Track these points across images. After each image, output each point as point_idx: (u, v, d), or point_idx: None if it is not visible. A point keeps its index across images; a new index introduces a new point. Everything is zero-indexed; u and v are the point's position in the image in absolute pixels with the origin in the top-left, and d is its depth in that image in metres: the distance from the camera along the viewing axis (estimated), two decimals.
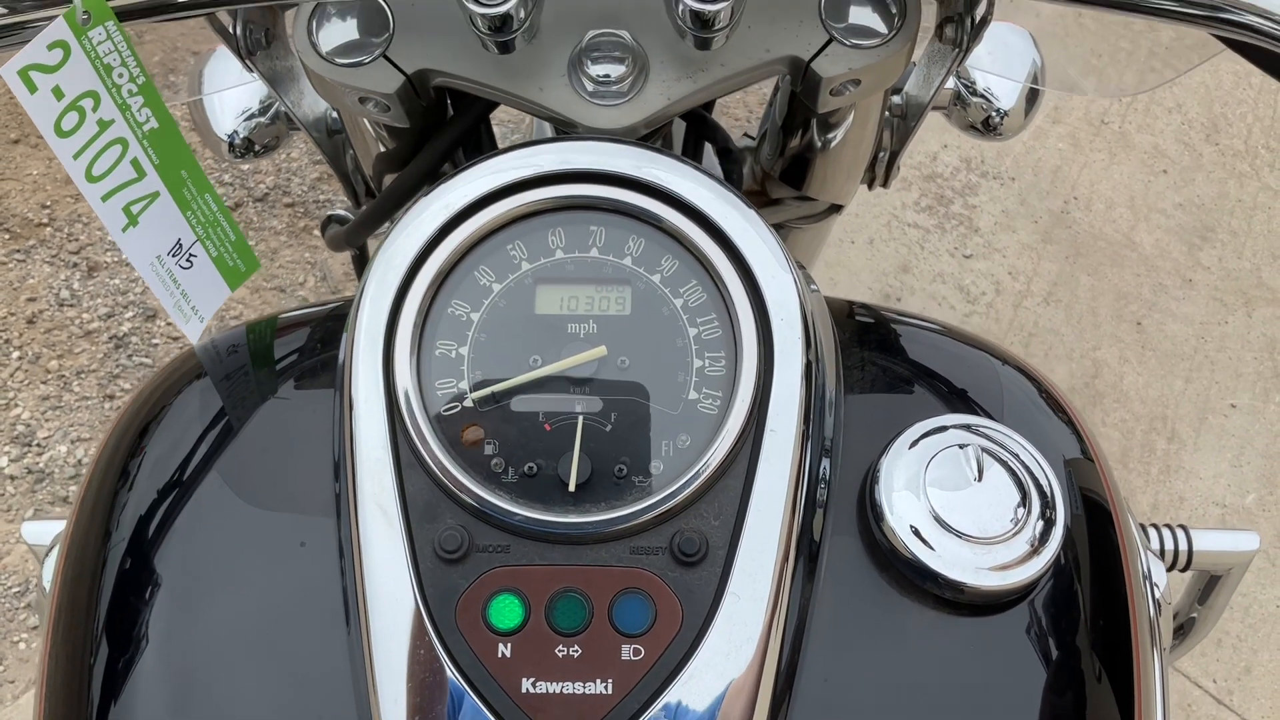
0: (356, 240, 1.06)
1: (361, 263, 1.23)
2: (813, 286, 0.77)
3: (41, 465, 2.24)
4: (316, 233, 2.61)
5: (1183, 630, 1.12)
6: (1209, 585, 1.05)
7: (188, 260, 0.82)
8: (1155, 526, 0.96)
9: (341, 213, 1.09)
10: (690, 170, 0.70)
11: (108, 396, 2.34)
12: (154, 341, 2.42)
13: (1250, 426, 2.56)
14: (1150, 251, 2.84)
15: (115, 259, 2.52)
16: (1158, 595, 0.81)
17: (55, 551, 0.89)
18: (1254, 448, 2.53)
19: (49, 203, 2.59)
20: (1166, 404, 2.58)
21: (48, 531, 0.97)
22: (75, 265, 2.51)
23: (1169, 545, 0.96)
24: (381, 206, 0.94)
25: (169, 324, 2.45)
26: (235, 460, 0.74)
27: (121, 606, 0.70)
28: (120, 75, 0.72)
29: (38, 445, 2.27)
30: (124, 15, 0.70)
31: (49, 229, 2.56)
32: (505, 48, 0.74)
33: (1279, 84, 0.74)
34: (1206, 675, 2.21)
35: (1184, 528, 0.97)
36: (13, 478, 2.22)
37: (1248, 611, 2.29)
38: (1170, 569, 0.96)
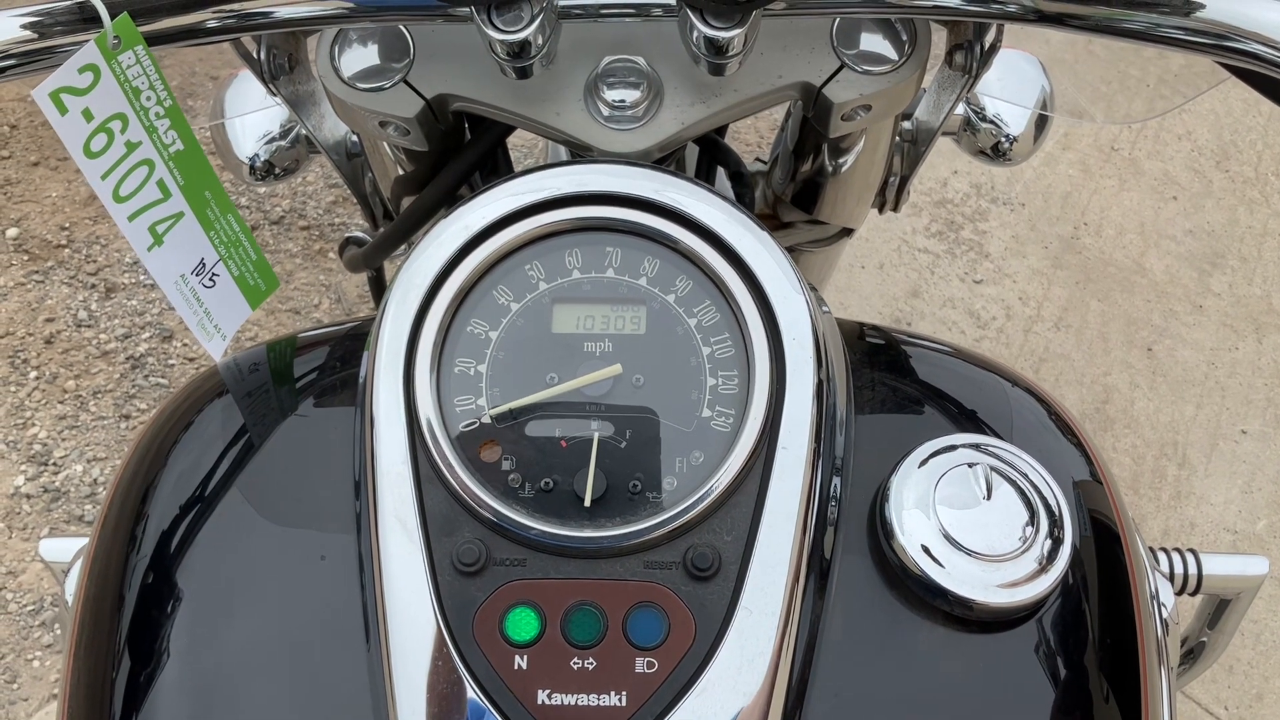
0: (374, 262, 1.07)
1: (378, 284, 1.24)
2: (824, 308, 0.78)
3: (58, 484, 2.26)
4: (332, 255, 2.63)
5: (1193, 654, 1.12)
6: (1219, 610, 1.05)
7: (210, 279, 0.84)
8: (1165, 550, 0.96)
9: (359, 235, 1.11)
10: (704, 192, 0.71)
11: (124, 416, 2.36)
12: (170, 362, 2.44)
13: (1261, 453, 2.56)
14: (1160, 277, 2.84)
15: (133, 280, 2.55)
16: (1165, 615, 0.82)
17: (78, 566, 0.90)
18: (1265, 474, 2.52)
19: (67, 224, 2.62)
20: (1177, 430, 2.58)
21: (65, 549, 0.97)
22: (93, 286, 2.54)
23: (1178, 569, 0.96)
24: (399, 229, 0.96)
25: (185, 345, 2.47)
26: (257, 477, 0.75)
27: (144, 622, 0.71)
28: (148, 98, 0.74)
29: (54, 464, 2.28)
30: (153, 40, 0.72)
31: (67, 250, 2.59)
32: (523, 73, 0.75)
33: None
34: (1218, 702, 2.20)
35: (1193, 552, 0.97)
36: (29, 496, 2.23)
37: (1259, 639, 2.28)
38: (1180, 593, 0.96)
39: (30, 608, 2.11)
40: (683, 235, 0.70)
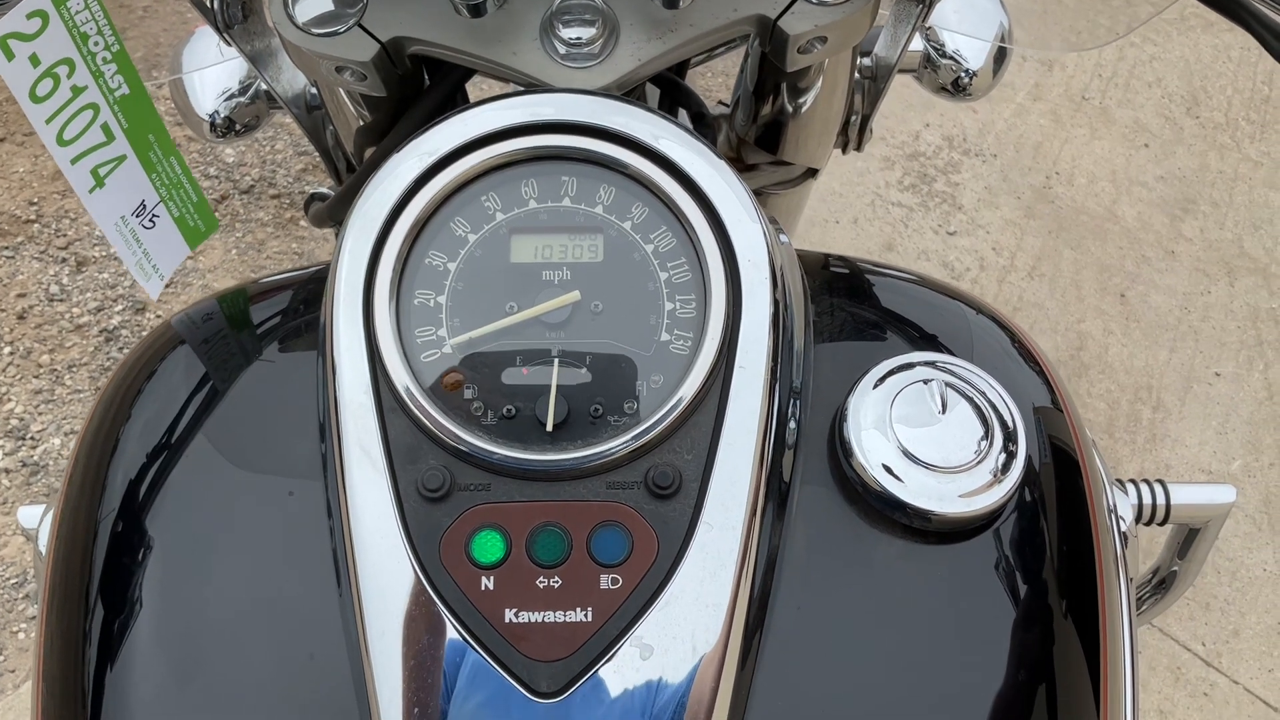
0: (339, 215, 1.07)
1: None
2: (783, 238, 0.79)
3: (36, 458, 2.25)
4: (303, 223, 2.62)
5: (1164, 585, 1.14)
6: (1188, 539, 1.06)
7: (150, 220, 0.84)
8: (1134, 481, 0.98)
9: (324, 190, 1.11)
10: (658, 119, 0.71)
11: (100, 389, 2.35)
12: (144, 334, 2.44)
13: (1235, 394, 2.58)
14: (1133, 224, 2.86)
15: (103, 254, 2.53)
16: (1124, 528, 0.83)
17: (48, 519, 0.90)
18: (1238, 415, 2.55)
19: (36, 200, 2.60)
20: (1151, 374, 2.60)
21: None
22: (64, 260, 2.52)
23: (1147, 500, 0.97)
24: (361, 179, 0.95)
25: (159, 316, 2.46)
26: (222, 423, 0.75)
27: (115, 573, 0.71)
28: (96, 43, 0.74)
29: (31, 439, 2.28)
30: None
31: (37, 225, 2.57)
32: (476, 11, 0.75)
33: (1230, 24, 0.75)
34: (1195, 639, 2.24)
35: (1161, 482, 0.98)
36: (7, 471, 2.23)
37: (1235, 575, 2.31)
38: (1149, 523, 0.97)
39: (13, 580, 2.11)
40: (637, 162, 0.70)
